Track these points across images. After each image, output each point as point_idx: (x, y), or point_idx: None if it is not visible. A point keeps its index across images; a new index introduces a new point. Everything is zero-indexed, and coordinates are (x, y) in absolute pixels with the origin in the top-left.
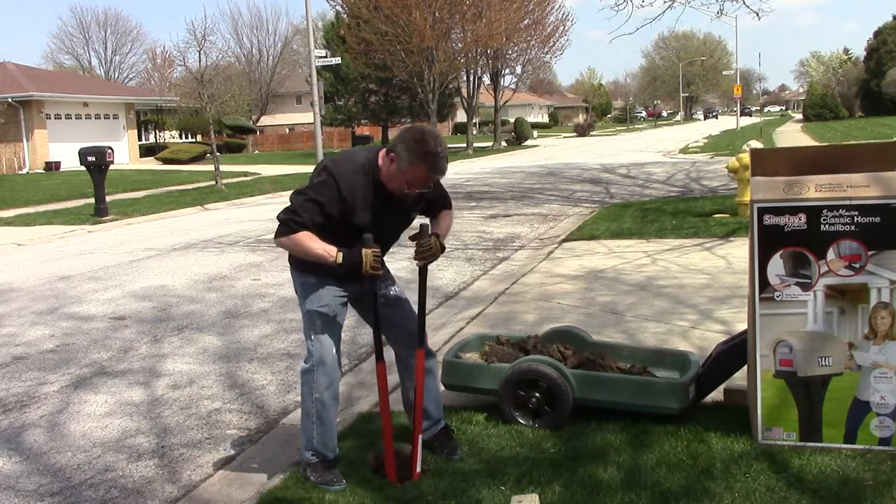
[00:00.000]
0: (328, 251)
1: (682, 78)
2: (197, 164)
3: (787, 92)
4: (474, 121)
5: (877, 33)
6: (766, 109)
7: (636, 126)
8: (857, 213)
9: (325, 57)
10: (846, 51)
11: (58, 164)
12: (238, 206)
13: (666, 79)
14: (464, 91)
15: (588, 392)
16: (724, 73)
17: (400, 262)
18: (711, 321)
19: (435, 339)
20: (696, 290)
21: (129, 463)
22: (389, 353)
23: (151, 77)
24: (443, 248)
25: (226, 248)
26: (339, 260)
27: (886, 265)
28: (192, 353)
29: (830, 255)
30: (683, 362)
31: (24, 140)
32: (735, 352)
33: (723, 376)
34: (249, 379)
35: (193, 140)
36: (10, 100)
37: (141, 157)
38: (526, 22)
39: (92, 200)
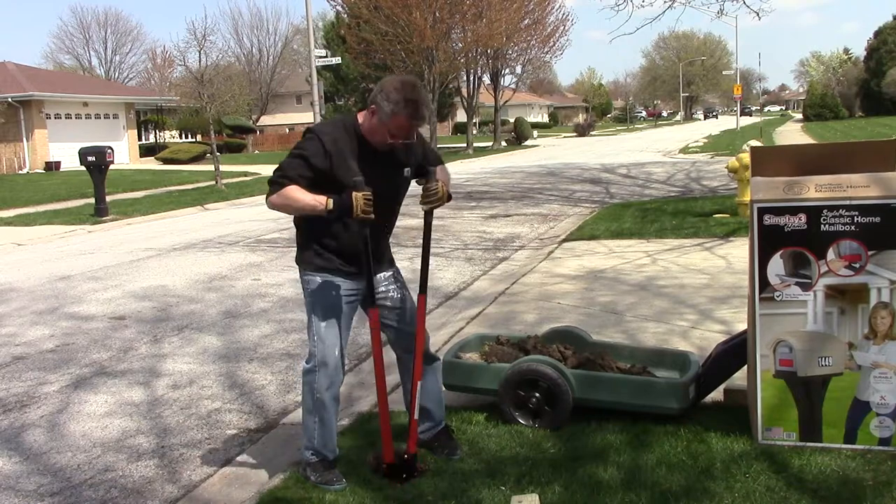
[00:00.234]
0: (318, 199)
1: (683, 78)
2: (197, 164)
3: (787, 92)
4: (474, 121)
5: (877, 33)
6: (766, 109)
7: (636, 126)
8: (857, 213)
9: (325, 57)
10: (846, 51)
11: (58, 164)
12: (238, 206)
13: (666, 79)
14: (464, 91)
15: (588, 392)
16: (724, 72)
17: (400, 262)
18: (711, 321)
19: (435, 339)
20: (696, 290)
21: (129, 463)
22: (390, 353)
23: (151, 77)
24: (449, 196)
25: (226, 248)
26: (330, 206)
27: (886, 265)
28: (192, 353)
29: (830, 255)
30: (683, 362)
31: (24, 140)
32: (735, 352)
33: (723, 376)
34: (249, 379)
35: (193, 140)
36: (10, 100)
37: (141, 156)
38: (526, 22)
39: (92, 200)
